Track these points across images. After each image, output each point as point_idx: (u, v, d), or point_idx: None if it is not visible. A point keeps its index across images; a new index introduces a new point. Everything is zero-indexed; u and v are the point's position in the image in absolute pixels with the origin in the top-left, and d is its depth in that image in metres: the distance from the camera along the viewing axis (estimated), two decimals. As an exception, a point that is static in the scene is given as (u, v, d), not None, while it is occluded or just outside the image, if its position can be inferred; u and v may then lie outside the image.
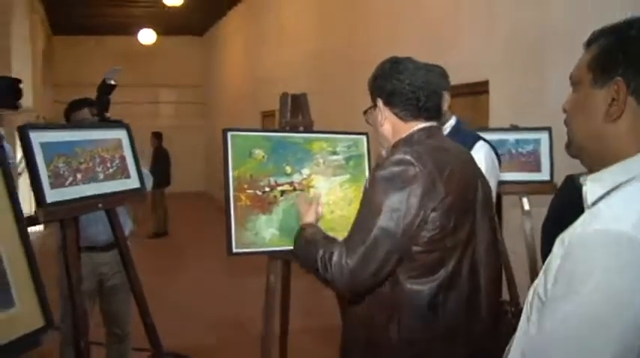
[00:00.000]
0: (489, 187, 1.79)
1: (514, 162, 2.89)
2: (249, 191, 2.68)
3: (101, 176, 2.05)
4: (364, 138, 2.76)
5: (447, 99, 2.38)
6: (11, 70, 6.55)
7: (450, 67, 4.65)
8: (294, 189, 2.71)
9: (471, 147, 2.32)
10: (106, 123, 2.45)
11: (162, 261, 7.67)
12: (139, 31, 11.73)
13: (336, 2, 7.28)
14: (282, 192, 2.97)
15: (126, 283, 2.96)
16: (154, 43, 12.42)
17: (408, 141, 1.69)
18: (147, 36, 11.67)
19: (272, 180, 2.89)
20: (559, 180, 2.60)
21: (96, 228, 2.89)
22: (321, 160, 2.66)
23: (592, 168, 1.03)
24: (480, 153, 2.34)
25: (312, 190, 2.51)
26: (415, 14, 5.37)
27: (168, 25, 12.56)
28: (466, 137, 2.42)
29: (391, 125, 1.75)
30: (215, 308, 5.48)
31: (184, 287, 6.33)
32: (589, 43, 1.06)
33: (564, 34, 3.61)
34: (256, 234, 2.63)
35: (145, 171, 2.95)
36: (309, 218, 2.01)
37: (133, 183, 2.24)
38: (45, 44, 12.09)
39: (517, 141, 2.91)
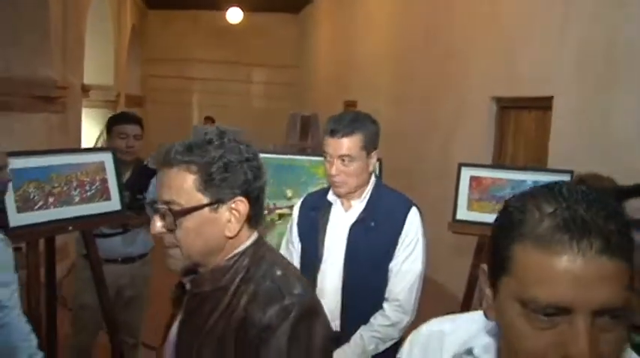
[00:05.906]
0: None
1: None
2: (243, 214, 2.84)
3: (77, 199, 2.30)
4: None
5: (373, 162, 2.22)
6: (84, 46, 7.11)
7: (517, 77, 4.57)
8: (294, 213, 2.82)
9: (406, 213, 2.17)
10: (90, 148, 2.70)
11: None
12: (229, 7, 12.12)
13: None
14: (280, 216, 3.13)
15: (141, 295, 3.37)
16: (246, 20, 12.76)
17: (244, 259, 1.29)
18: (234, 14, 12.05)
19: (270, 203, 3.06)
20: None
21: (110, 242, 3.12)
22: (326, 185, 2.77)
23: None
24: (417, 220, 2.19)
25: None
26: (489, 17, 5.27)
27: (261, 1, 12.86)
28: (399, 200, 2.23)
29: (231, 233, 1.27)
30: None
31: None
32: None
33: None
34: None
35: None
36: None
37: (112, 205, 2.47)
38: (137, 19, 12.89)
39: (535, 184, 2.65)
